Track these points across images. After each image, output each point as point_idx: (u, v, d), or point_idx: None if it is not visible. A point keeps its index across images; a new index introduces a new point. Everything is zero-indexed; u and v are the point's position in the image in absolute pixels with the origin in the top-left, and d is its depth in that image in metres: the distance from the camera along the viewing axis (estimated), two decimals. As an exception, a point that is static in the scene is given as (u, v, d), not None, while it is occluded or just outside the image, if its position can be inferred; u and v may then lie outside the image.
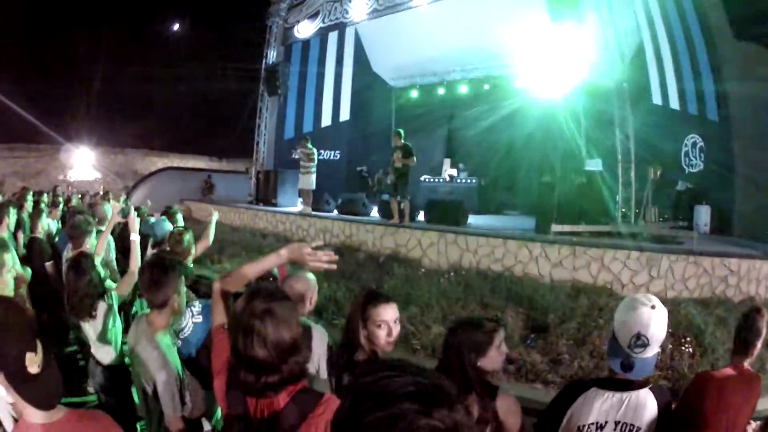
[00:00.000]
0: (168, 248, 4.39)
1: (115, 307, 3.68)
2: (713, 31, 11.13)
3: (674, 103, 12.51)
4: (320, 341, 3.00)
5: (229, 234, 13.83)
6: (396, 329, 2.60)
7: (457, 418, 0.87)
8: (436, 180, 15.34)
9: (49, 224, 6.62)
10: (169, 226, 5.27)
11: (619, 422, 2.14)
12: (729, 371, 2.61)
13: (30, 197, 9.41)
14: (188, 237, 4.31)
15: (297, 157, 13.46)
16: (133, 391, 3.24)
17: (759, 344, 2.70)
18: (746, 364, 2.68)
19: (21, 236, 6.34)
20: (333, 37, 18.54)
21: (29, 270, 4.73)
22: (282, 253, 2.26)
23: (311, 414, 1.80)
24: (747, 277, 7.96)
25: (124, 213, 4.58)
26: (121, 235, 5.85)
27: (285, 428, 1.78)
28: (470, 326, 2.41)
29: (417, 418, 0.84)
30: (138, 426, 3.54)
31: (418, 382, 0.89)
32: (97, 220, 5.77)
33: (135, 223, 4.24)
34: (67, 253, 5.14)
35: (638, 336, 2.09)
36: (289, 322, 1.82)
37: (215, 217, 5.77)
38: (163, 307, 2.89)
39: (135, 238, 4.12)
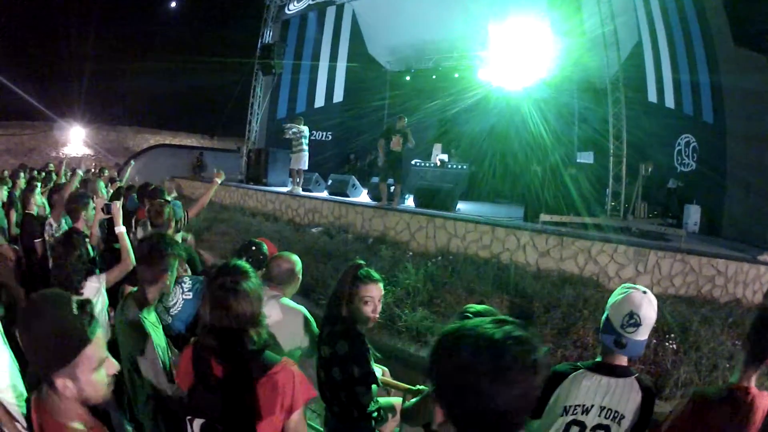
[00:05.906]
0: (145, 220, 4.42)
1: (103, 289, 3.59)
2: (713, 35, 11.09)
3: (670, 102, 12.50)
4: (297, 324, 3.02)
5: (219, 212, 13.74)
6: (379, 307, 2.70)
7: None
8: (427, 165, 15.28)
9: (43, 201, 6.56)
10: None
11: (605, 407, 2.16)
12: (726, 398, 1.97)
13: (23, 175, 9.37)
14: (168, 209, 4.29)
15: (288, 136, 13.30)
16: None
17: None
18: (753, 380, 1.99)
19: (14, 214, 6.31)
20: (330, 18, 18.36)
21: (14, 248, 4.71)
22: None
23: (270, 371, 1.92)
24: (735, 279, 7.95)
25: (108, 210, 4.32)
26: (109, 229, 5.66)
27: (243, 384, 1.90)
28: None
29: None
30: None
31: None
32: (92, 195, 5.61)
33: (119, 215, 4.10)
34: (52, 229, 5.14)
35: (631, 315, 2.14)
36: (251, 298, 1.98)
37: (221, 179, 5.67)
38: (153, 284, 2.86)
39: (121, 230, 4.01)
